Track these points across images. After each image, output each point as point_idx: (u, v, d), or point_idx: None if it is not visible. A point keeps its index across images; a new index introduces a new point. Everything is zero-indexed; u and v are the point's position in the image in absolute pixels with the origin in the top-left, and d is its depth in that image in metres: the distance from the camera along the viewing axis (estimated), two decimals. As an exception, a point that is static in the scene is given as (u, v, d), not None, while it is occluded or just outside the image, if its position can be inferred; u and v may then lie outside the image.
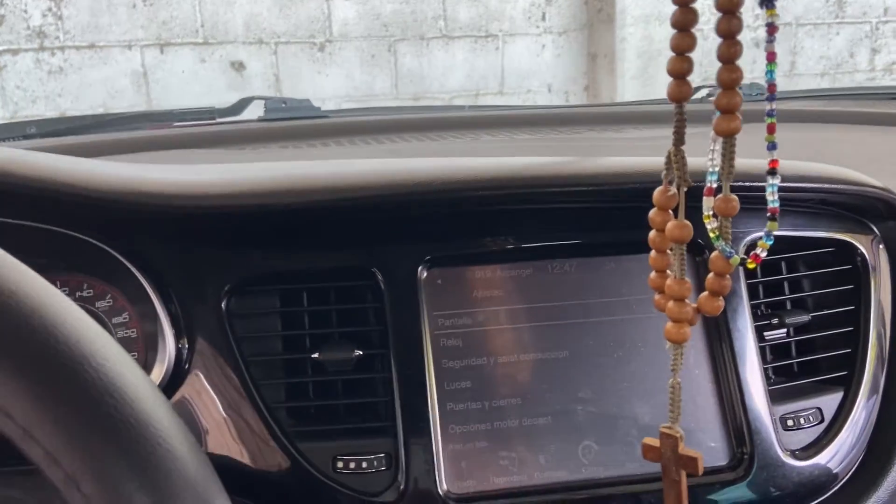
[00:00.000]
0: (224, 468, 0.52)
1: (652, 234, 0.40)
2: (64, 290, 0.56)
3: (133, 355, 0.55)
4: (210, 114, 1.06)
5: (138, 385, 0.29)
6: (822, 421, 0.59)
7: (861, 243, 0.63)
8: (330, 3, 2.69)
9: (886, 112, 1.10)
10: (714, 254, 0.38)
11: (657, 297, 0.40)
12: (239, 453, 0.52)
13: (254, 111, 1.09)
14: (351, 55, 2.75)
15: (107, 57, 2.52)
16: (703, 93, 1.17)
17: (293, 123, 0.99)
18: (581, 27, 3.07)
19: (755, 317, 0.60)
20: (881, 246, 0.64)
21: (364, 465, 0.52)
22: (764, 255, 0.37)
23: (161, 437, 0.28)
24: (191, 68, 2.58)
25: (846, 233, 0.63)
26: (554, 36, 3.05)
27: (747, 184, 0.55)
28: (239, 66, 2.63)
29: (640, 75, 3.01)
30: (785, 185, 0.58)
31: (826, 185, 0.59)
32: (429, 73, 2.87)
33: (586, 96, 3.17)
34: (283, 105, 1.03)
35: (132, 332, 0.55)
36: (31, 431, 0.26)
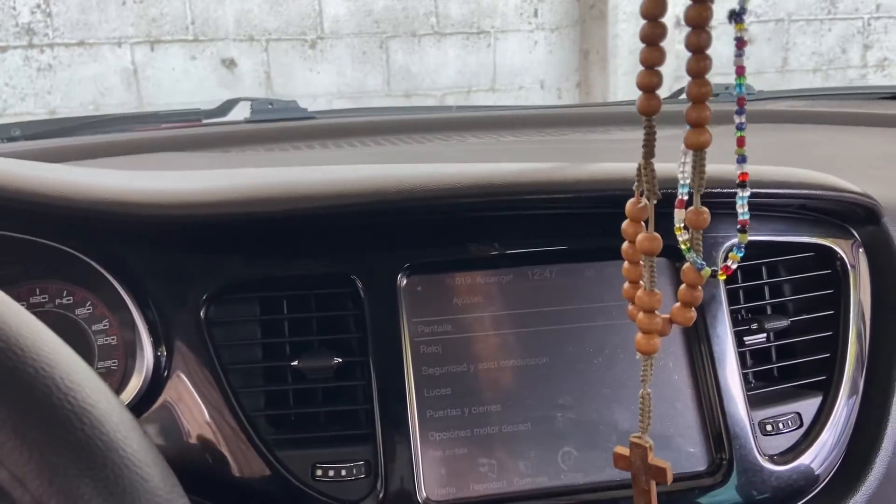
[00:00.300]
0: (203, 476, 0.53)
1: (624, 245, 0.40)
2: (43, 297, 0.56)
3: (113, 362, 0.55)
4: (196, 115, 1.06)
5: (107, 408, 0.29)
6: (801, 426, 0.59)
7: (841, 248, 0.63)
8: (321, 0, 2.68)
9: (874, 113, 1.10)
10: (686, 265, 0.38)
11: (630, 307, 0.41)
12: (218, 461, 0.52)
13: (240, 112, 1.09)
14: (342, 52, 2.74)
15: (96, 54, 2.51)
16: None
17: (279, 125, 0.99)
18: (573, 23, 3.07)
19: (735, 322, 0.60)
20: (861, 250, 0.64)
21: (343, 472, 0.52)
22: (735, 266, 0.37)
23: (129, 460, 0.28)
24: (181, 66, 2.57)
25: (826, 237, 0.63)
26: (546, 32, 3.05)
27: (726, 190, 0.55)
28: (230, 64, 2.62)
29: (633, 71, 2.99)
30: (764, 191, 0.58)
31: (805, 192, 0.59)
32: (420, 70, 2.87)
33: (578, 93, 3.17)
34: (270, 106, 1.03)
35: (112, 339, 0.55)
36: None
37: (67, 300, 0.55)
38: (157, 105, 2.54)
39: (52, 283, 0.55)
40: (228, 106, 1.07)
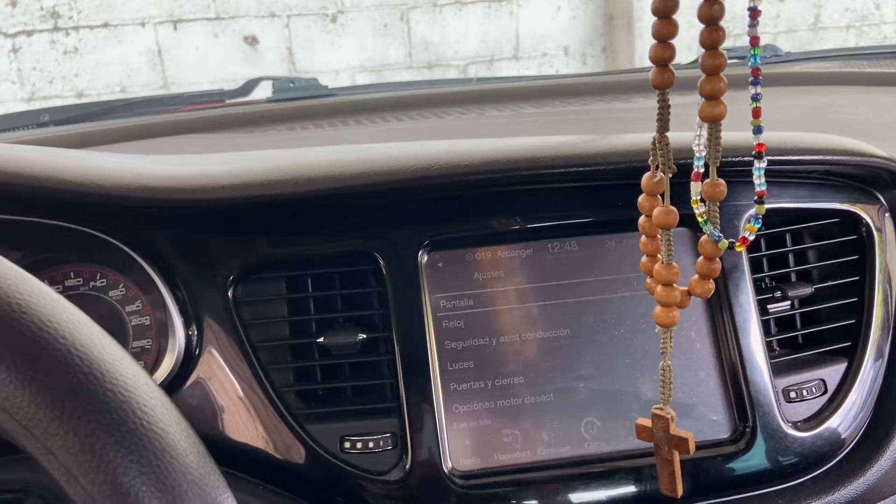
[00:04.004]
0: (235, 451, 0.54)
1: (641, 219, 0.40)
2: (78, 280, 0.57)
3: (147, 342, 0.57)
4: (220, 96, 1.07)
5: (138, 380, 0.30)
6: (825, 392, 0.59)
7: (867, 213, 0.62)
8: (341, -27, 2.67)
9: (905, 72, 1.07)
10: (703, 238, 0.38)
11: (648, 280, 0.41)
12: (250, 436, 0.54)
13: (263, 91, 1.10)
14: (363, 25, 2.73)
15: (121, 35, 2.53)
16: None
17: (301, 104, 1.00)
18: (597, -13, 3.01)
19: (758, 290, 0.60)
20: (887, 214, 0.63)
21: (371, 444, 0.54)
22: (752, 237, 0.38)
23: (162, 430, 0.29)
24: (204, 44, 2.58)
25: (851, 203, 0.62)
26: (569, -3, 3.00)
27: (747, 158, 0.54)
28: (252, 41, 2.63)
29: (659, 34, 2.94)
30: (785, 158, 0.58)
31: (829, 157, 0.59)
32: (442, 41, 2.84)
33: (604, 58, 3.12)
34: (291, 85, 1.04)
35: (145, 319, 0.57)
36: (30, 428, 0.27)
37: (101, 283, 0.57)
38: (181, 84, 2.56)
39: (86, 266, 0.57)
40: (251, 86, 1.08)
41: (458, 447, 0.55)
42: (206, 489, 0.29)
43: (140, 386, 0.30)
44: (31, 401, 0.27)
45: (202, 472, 0.30)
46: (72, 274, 0.57)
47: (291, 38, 2.66)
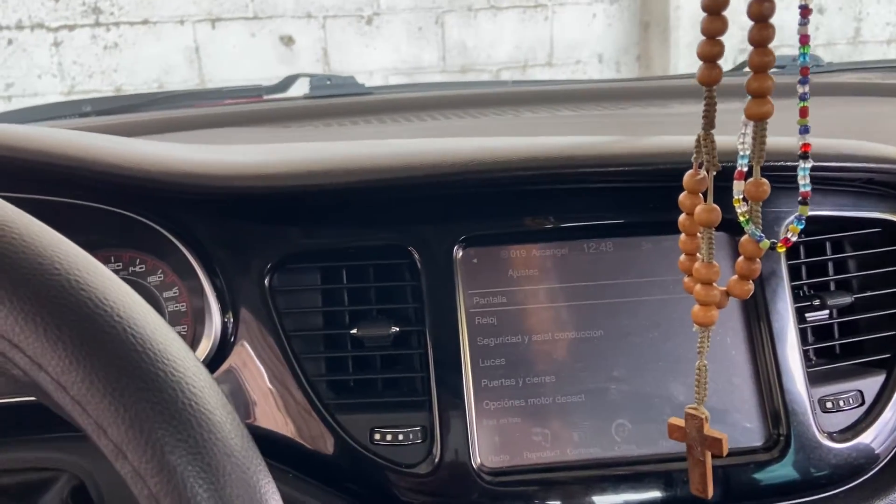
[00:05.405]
0: (266, 437, 0.55)
1: (682, 217, 0.40)
2: (118, 265, 0.58)
3: (182, 328, 0.58)
4: (258, 91, 1.08)
5: (188, 362, 0.30)
6: (862, 403, 0.58)
7: (909, 223, 0.61)
8: (377, -24, 2.69)
9: (949, 84, 1.05)
10: (744, 237, 0.38)
11: (686, 279, 0.41)
12: (281, 424, 0.55)
13: (300, 88, 1.11)
14: (398, 28, 2.74)
15: (160, 32, 2.57)
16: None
17: (337, 101, 1.00)
18: (633, -6, 3.00)
19: (796, 298, 0.59)
20: (931, 226, 0.62)
21: (400, 437, 0.54)
22: (794, 238, 0.37)
23: (209, 412, 0.30)
24: (241, 43, 2.61)
25: (894, 212, 0.61)
26: (605, 5, 2.98)
27: (788, 163, 0.54)
28: (288, 41, 2.65)
29: (695, 43, 2.92)
30: (828, 164, 0.57)
31: (873, 165, 0.58)
32: (476, 45, 2.85)
33: (638, 66, 3.10)
34: (328, 82, 1.05)
35: (181, 305, 0.58)
36: (83, 404, 0.28)
37: (140, 268, 0.58)
38: (217, 82, 2.59)
39: (126, 251, 0.58)
40: (288, 82, 1.09)
41: (487, 443, 0.55)
42: (249, 472, 0.30)
43: (190, 368, 0.30)
44: (85, 376, 0.28)
45: (245, 455, 0.30)
46: (112, 258, 0.58)
47: (327, 38, 2.68)
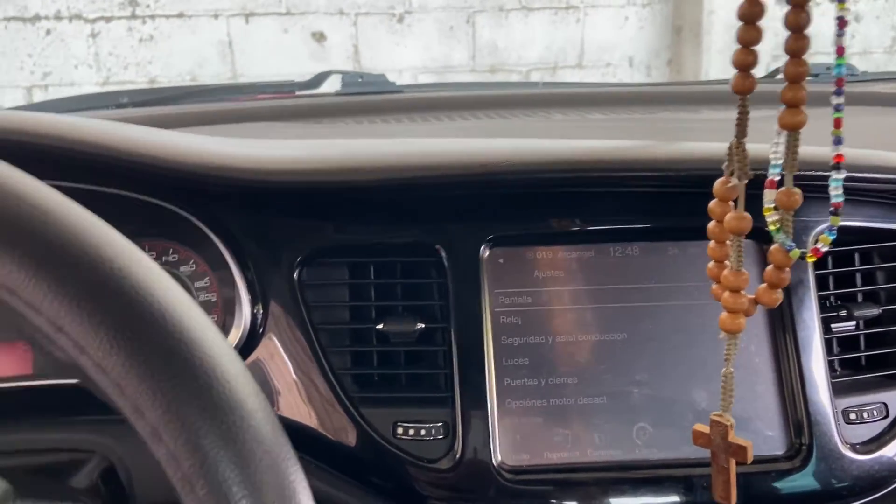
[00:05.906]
0: (290, 428, 0.55)
1: (711, 224, 0.40)
2: (151, 254, 0.60)
3: (212, 318, 0.59)
4: (290, 87, 1.09)
5: (223, 349, 0.31)
6: (886, 416, 0.58)
7: (941, 236, 0.61)
8: (410, -26, 2.70)
9: None
10: (774, 246, 0.38)
11: (714, 286, 0.41)
12: (305, 415, 0.56)
13: (332, 85, 1.12)
14: (429, 27, 2.75)
15: (194, 26, 2.60)
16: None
17: (368, 98, 1.01)
18: (666, -2, 2.98)
19: (823, 308, 0.59)
20: (962, 240, 0.61)
21: (423, 432, 0.55)
22: (825, 249, 0.37)
23: (242, 400, 0.30)
24: (273, 38, 2.64)
25: (925, 225, 0.61)
26: (637, 7, 2.97)
27: (819, 173, 0.53)
28: (320, 37, 2.67)
29: (728, 49, 2.89)
30: (861, 175, 0.57)
31: (905, 176, 0.57)
32: (507, 46, 2.85)
33: (669, 71, 3.08)
34: (360, 80, 1.06)
35: (212, 296, 0.59)
36: (123, 387, 0.29)
37: (173, 258, 0.59)
38: (249, 76, 2.63)
39: (160, 241, 0.59)
40: (321, 79, 1.10)
41: (508, 442, 0.55)
42: (279, 460, 0.30)
43: (224, 355, 0.31)
44: (125, 360, 0.29)
45: (275, 443, 0.31)
46: (146, 247, 0.59)
47: (358, 35, 2.70)
